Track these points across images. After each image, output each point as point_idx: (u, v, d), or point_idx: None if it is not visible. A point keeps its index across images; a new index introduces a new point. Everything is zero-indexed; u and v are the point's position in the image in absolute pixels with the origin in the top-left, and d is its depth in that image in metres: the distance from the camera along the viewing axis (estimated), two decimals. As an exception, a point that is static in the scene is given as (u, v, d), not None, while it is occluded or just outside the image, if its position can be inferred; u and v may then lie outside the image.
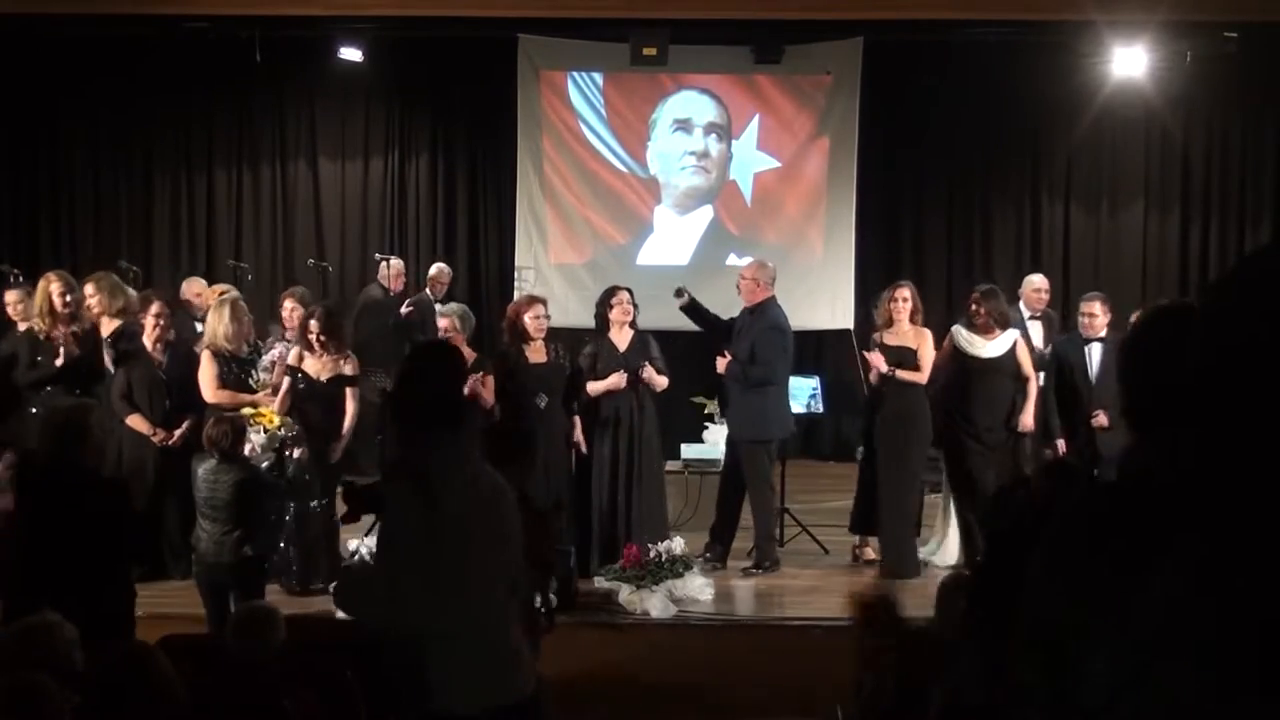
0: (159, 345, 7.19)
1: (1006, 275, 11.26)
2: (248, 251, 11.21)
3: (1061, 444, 7.27)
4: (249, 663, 3.77)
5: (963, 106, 11.00)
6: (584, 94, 11.12)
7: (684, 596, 6.63)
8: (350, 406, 6.91)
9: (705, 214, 11.26)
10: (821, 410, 8.72)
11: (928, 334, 7.38)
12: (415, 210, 11.54)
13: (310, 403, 6.83)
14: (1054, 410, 7.35)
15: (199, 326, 8.20)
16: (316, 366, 6.83)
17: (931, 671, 3.38)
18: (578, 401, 7.13)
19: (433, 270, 10.38)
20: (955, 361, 7.40)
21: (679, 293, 7.63)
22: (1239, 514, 1.06)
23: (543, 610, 4.73)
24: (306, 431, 6.80)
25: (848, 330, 10.71)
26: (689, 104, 11.16)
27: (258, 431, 6.53)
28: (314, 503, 6.83)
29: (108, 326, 7.29)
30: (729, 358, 7.28)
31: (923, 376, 7.25)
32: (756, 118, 11.12)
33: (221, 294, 7.76)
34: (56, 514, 4.58)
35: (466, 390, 6.57)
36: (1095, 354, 7.35)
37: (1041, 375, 7.53)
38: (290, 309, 7.95)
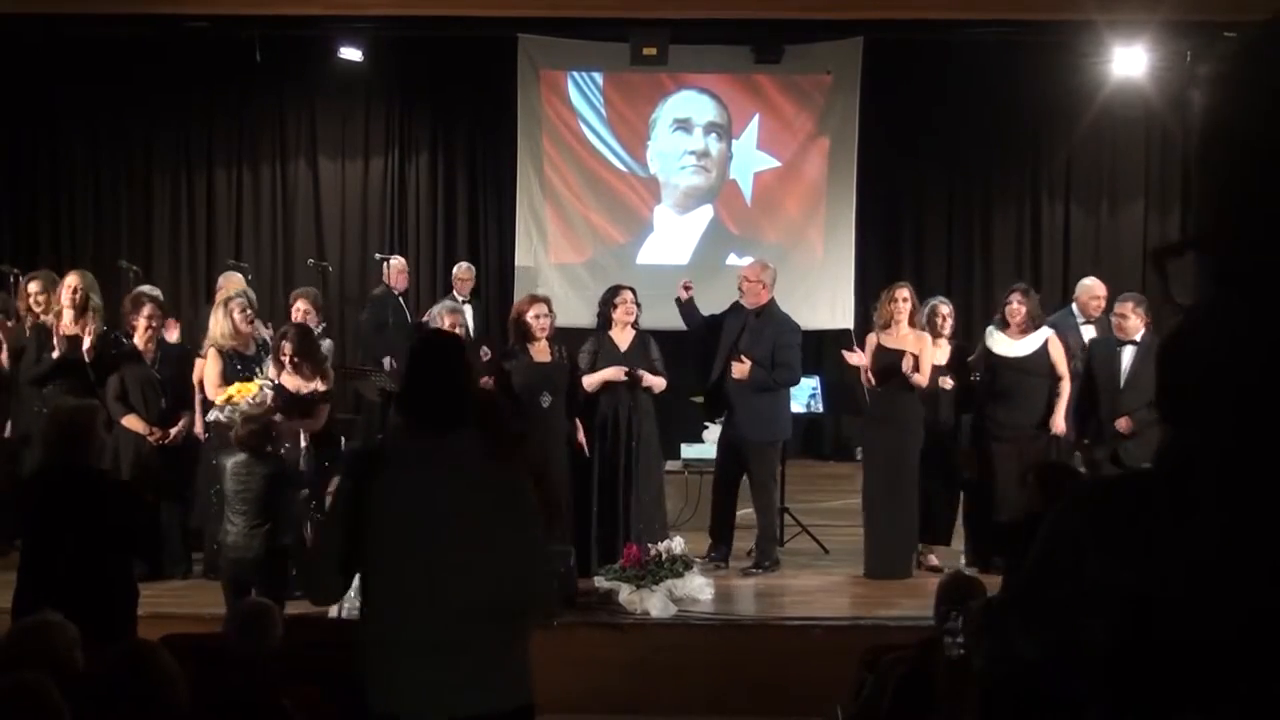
0: (151, 345, 7.19)
1: (1006, 275, 11.26)
2: (248, 251, 11.21)
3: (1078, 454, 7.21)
4: (249, 660, 3.77)
5: (963, 106, 11.00)
6: (584, 94, 11.12)
7: (684, 596, 6.62)
8: (319, 420, 6.86)
9: (705, 213, 11.26)
10: (821, 410, 8.72)
11: (927, 337, 7.34)
12: (415, 210, 11.54)
13: (288, 414, 6.78)
14: (1075, 412, 7.27)
15: (264, 331, 8.20)
16: (294, 383, 6.78)
17: (933, 671, 3.38)
18: (576, 401, 7.13)
19: (457, 270, 10.25)
20: (986, 362, 7.38)
21: (687, 287, 7.60)
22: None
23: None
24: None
25: (848, 330, 10.69)
26: (689, 103, 11.16)
27: (235, 409, 6.51)
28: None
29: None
30: (748, 362, 7.21)
31: (924, 379, 7.22)
32: (756, 117, 11.13)
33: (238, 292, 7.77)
34: (60, 514, 4.58)
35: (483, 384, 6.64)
36: (1126, 357, 7.16)
37: None
38: (304, 310, 7.95)
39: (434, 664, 2.92)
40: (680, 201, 11.24)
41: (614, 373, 7.08)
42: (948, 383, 7.33)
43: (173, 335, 8.41)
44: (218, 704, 3.46)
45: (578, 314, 9.89)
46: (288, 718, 3.54)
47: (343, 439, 7.97)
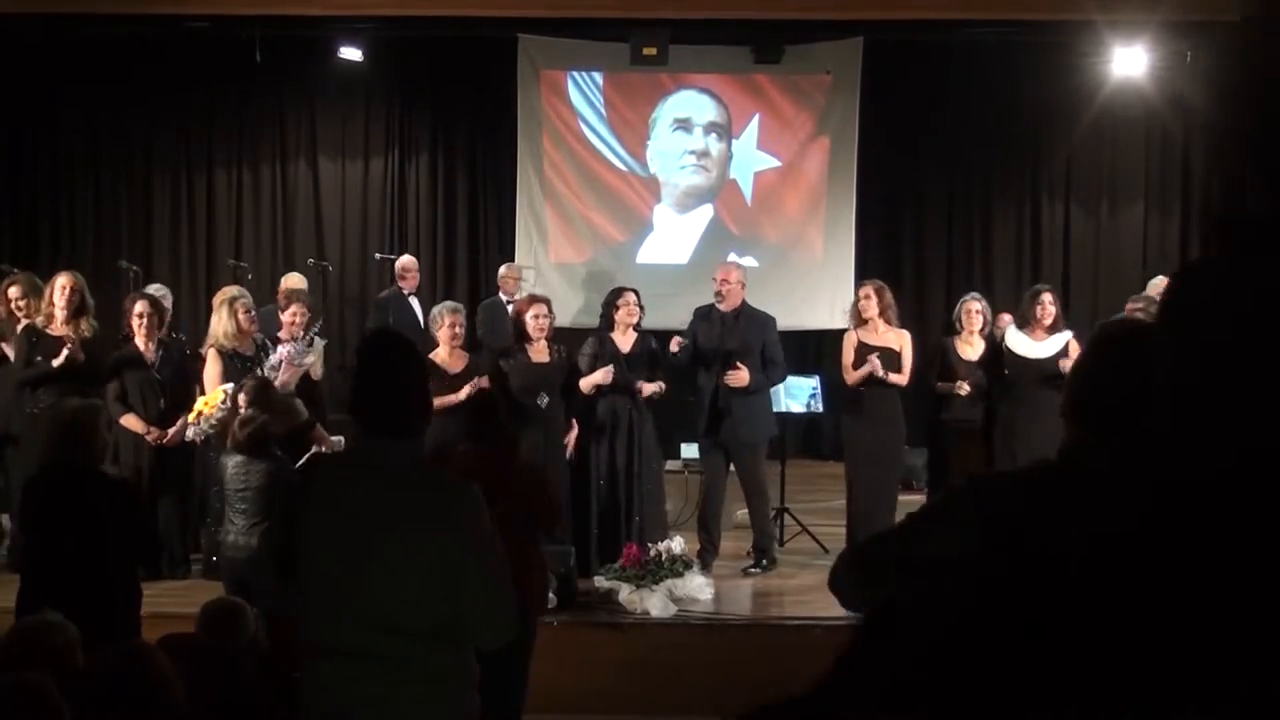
0: (151, 346, 7.18)
1: (1007, 275, 11.27)
2: (248, 251, 11.21)
3: None
4: (220, 656, 3.76)
5: (963, 106, 11.00)
6: (584, 93, 11.12)
7: (684, 596, 6.62)
8: (324, 439, 6.78)
9: (705, 213, 11.26)
10: (821, 410, 8.71)
11: (907, 335, 7.36)
12: (415, 210, 11.54)
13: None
14: None
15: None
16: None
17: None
18: (574, 402, 7.13)
19: (506, 269, 10.09)
20: (1000, 363, 7.36)
21: (683, 348, 7.36)
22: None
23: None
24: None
25: (848, 330, 10.70)
26: (689, 103, 11.16)
27: (207, 422, 6.50)
28: None
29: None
30: (742, 368, 7.19)
31: (904, 378, 7.23)
32: (756, 117, 11.13)
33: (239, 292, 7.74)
34: (63, 514, 4.59)
35: (466, 392, 6.61)
36: None
37: None
38: (294, 313, 7.84)
39: (349, 675, 2.76)
40: (680, 201, 11.24)
41: (603, 375, 7.06)
42: (964, 388, 7.32)
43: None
44: (216, 704, 3.46)
45: (578, 314, 9.89)
46: (288, 717, 3.54)
47: (342, 438, 7.98)
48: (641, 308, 7.32)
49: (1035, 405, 7.03)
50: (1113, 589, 1.00)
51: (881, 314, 7.28)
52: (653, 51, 10.06)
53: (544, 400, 6.91)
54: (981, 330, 7.53)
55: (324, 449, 6.41)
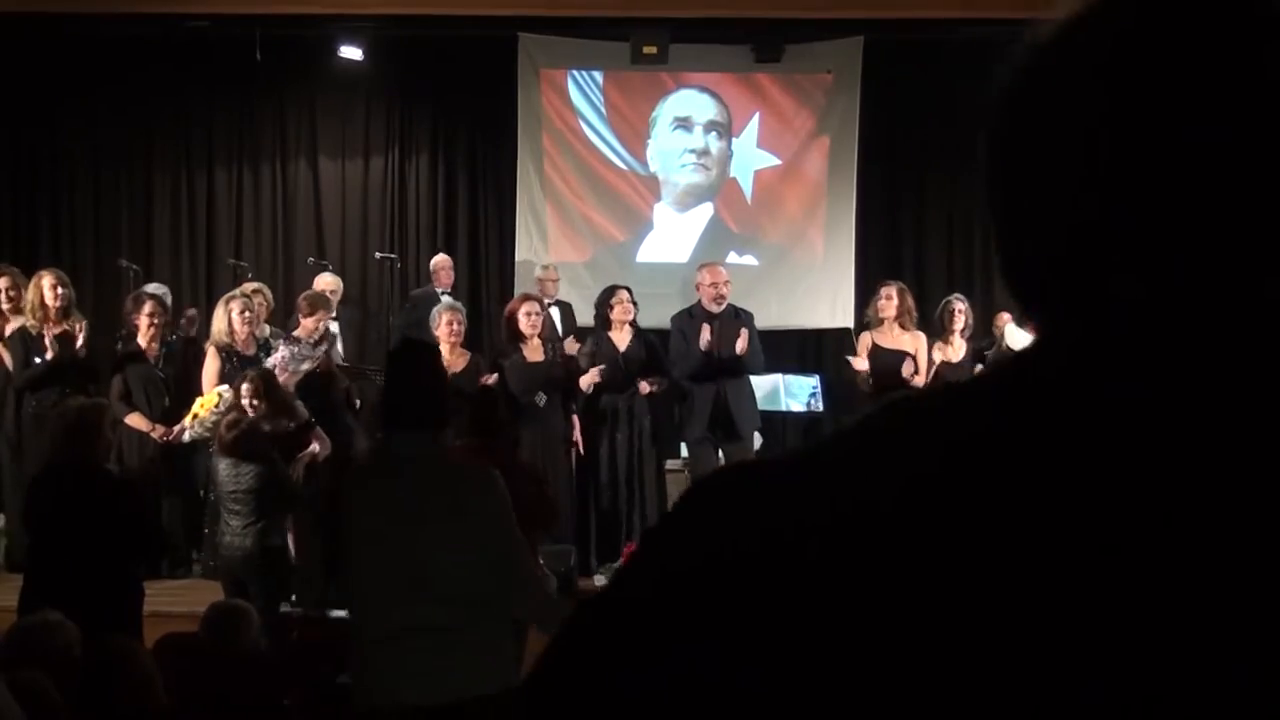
0: (154, 344, 7.19)
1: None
2: (248, 251, 11.21)
3: None
4: (222, 658, 3.77)
5: (963, 106, 10.98)
6: (584, 92, 11.12)
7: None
8: (323, 444, 6.74)
9: (705, 211, 11.26)
10: (821, 409, 8.71)
11: (923, 337, 7.33)
12: (415, 209, 11.54)
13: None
14: None
15: (333, 326, 8.17)
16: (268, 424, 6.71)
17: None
18: (575, 401, 7.13)
19: (544, 272, 9.89)
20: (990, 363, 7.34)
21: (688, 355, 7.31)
22: None
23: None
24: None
25: (848, 329, 10.70)
26: (689, 102, 11.16)
27: (202, 424, 6.49)
28: None
29: (15, 322, 7.27)
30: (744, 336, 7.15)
31: (922, 380, 7.21)
32: (757, 116, 11.12)
33: (254, 290, 7.75)
34: (67, 513, 4.59)
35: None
36: None
37: None
38: (318, 319, 7.80)
39: (406, 652, 3.02)
40: (680, 200, 11.24)
41: (594, 375, 7.04)
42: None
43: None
44: (217, 705, 3.45)
45: (578, 313, 9.89)
46: (288, 717, 3.54)
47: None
48: (635, 304, 7.31)
49: None
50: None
51: (899, 317, 7.25)
52: (653, 50, 10.06)
53: (541, 399, 6.92)
54: (963, 332, 7.48)
55: (318, 450, 6.41)
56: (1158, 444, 0.54)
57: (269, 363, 7.09)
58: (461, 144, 11.55)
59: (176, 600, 6.36)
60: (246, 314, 7.11)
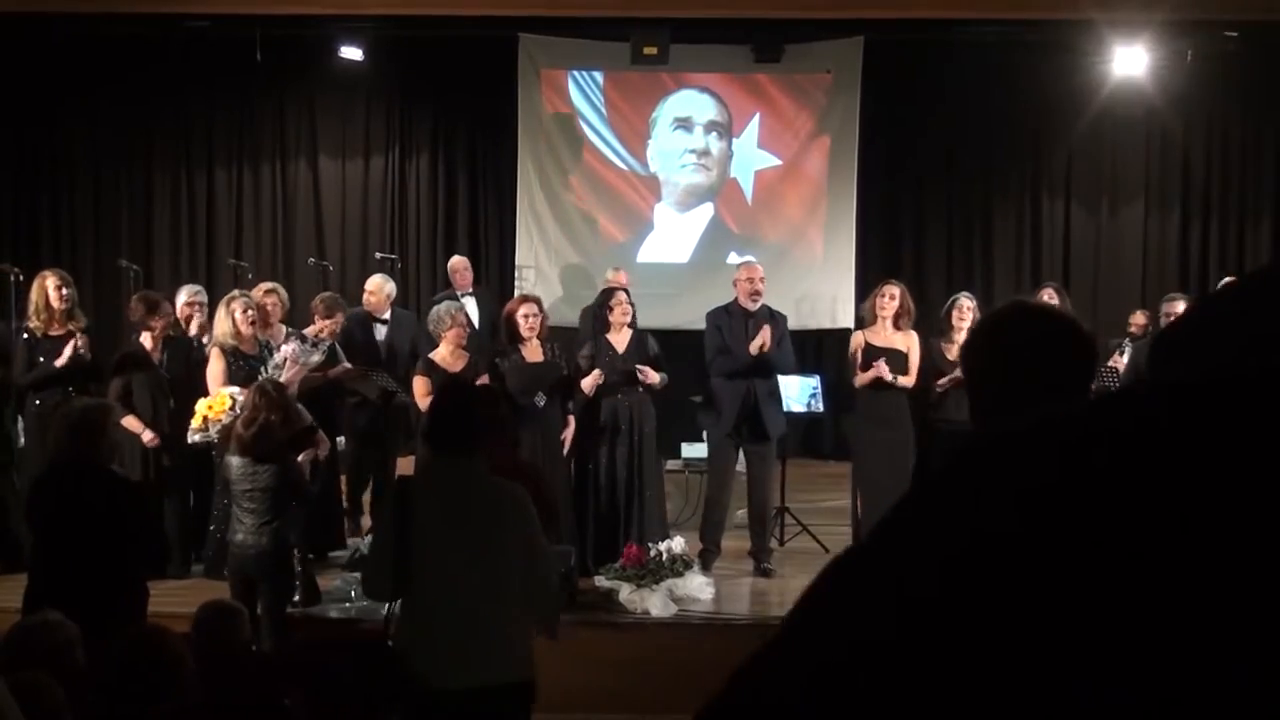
0: (158, 344, 7.18)
1: (1007, 275, 11.28)
2: (248, 251, 11.21)
3: None
4: (213, 659, 3.76)
5: (963, 106, 11.00)
6: (584, 92, 11.12)
7: (684, 596, 6.62)
8: (322, 445, 6.77)
9: (706, 212, 11.27)
10: (821, 410, 8.70)
11: (915, 336, 7.32)
12: (416, 209, 11.54)
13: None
14: None
15: (380, 330, 8.10)
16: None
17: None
18: (574, 402, 7.13)
19: (614, 275, 9.31)
20: None
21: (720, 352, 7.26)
22: None
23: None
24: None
25: (847, 329, 10.70)
26: (689, 102, 11.16)
27: (214, 427, 6.47)
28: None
29: None
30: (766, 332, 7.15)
31: (912, 380, 7.22)
32: (757, 116, 11.13)
33: (268, 289, 7.74)
34: (71, 513, 4.59)
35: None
36: None
37: None
38: (336, 321, 7.72)
39: (462, 642, 3.60)
40: (681, 200, 11.24)
41: (594, 378, 7.02)
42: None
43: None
44: (217, 705, 3.45)
45: (578, 313, 9.89)
46: (288, 717, 3.54)
47: (340, 440, 7.98)
48: (633, 305, 7.31)
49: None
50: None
51: (897, 316, 7.24)
52: (653, 51, 10.06)
53: (540, 400, 6.91)
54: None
55: (320, 453, 6.41)
56: None
57: (277, 358, 7.08)
58: (461, 144, 11.55)
59: (177, 601, 6.36)
60: (249, 314, 7.09)
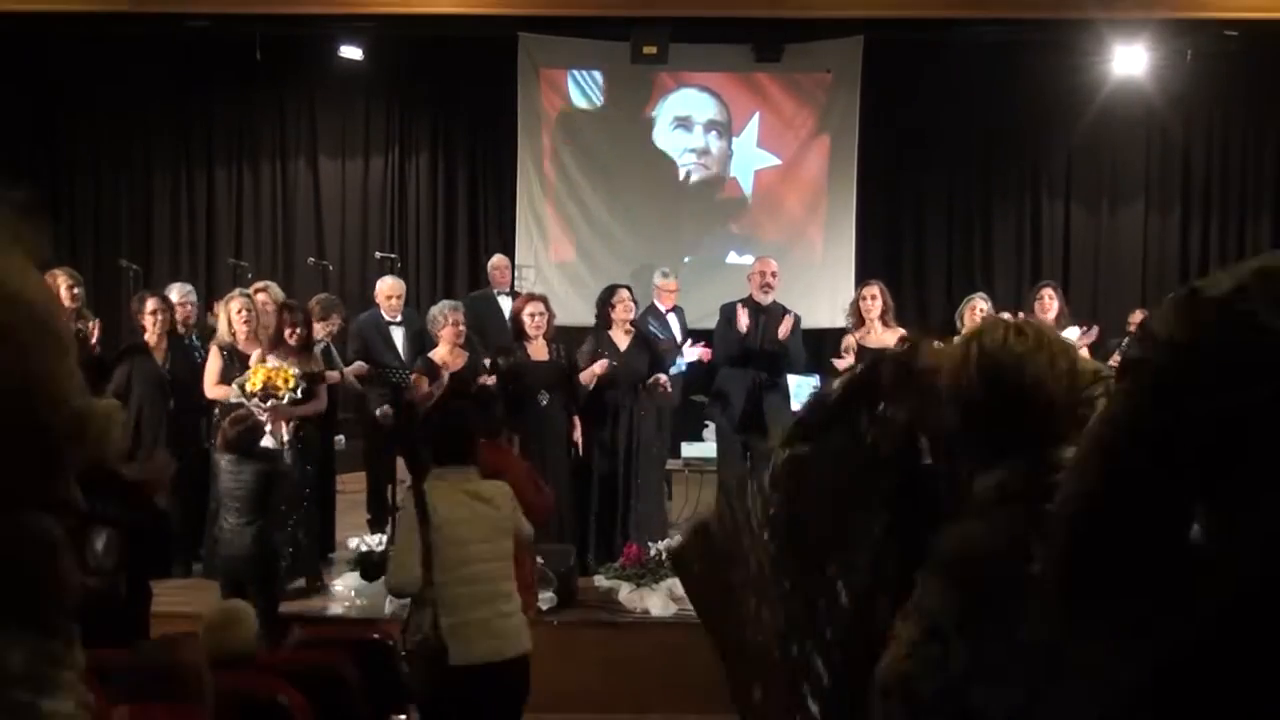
0: (162, 343, 7.18)
1: (1007, 275, 11.27)
2: (248, 251, 11.21)
3: None
4: (224, 660, 3.76)
5: (963, 105, 10.99)
6: (584, 92, 11.12)
7: (684, 595, 6.60)
8: (321, 401, 6.92)
9: (705, 213, 11.26)
10: (821, 409, 8.69)
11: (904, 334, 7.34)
12: (415, 209, 11.54)
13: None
14: None
15: (397, 333, 7.99)
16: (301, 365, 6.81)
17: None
18: (576, 401, 7.12)
19: (663, 280, 8.99)
20: None
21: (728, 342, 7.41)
22: None
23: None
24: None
25: (848, 329, 10.69)
26: (689, 101, 11.16)
27: (273, 398, 6.48)
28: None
29: None
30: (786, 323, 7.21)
31: None
32: (757, 115, 11.13)
33: (259, 288, 7.73)
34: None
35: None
36: None
37: None
38: (334, 322, 7.79)
39: (486, 620, 4.16)
40: (680, 200, 11.24)
41: (602, 366, 7.03)
42: None
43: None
44: (217, 704, 3.45)
45: (578, 312, 9.89)
46: (289, 716, 3.54)
47: (342, 438, 7.98)
48: (636, 304, 7.30)
49: None
50: None
51: (883, 314, 7.26)
52: (653, 50, 10.05)
53: (544, 399, 6.91)
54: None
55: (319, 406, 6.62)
56: None
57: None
58: (461, 144, 11.55)
59: (177, 600, 6.35)
60: (244, 313, 7.07)
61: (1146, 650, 1.09)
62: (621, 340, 7.24)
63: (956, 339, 1.88)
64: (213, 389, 6.90)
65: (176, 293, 7.86)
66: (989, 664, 1.56)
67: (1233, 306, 1.04)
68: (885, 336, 7.24)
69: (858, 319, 7.30)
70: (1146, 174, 11.33)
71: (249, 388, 6.44)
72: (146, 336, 7.14)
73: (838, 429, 1.92)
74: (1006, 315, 8.26)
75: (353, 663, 4.18)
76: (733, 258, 10.80)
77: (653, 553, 6.73)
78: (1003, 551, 1.58)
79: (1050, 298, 7.35)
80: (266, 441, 6.50)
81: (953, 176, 11.42)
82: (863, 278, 10.81)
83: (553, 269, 11.08)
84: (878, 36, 10.50)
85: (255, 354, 6.73)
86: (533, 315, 7.00)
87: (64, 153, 11.31)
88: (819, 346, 10.76)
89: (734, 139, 11.16)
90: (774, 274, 7.36)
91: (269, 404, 6.40)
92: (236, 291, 7.44)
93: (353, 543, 6.93)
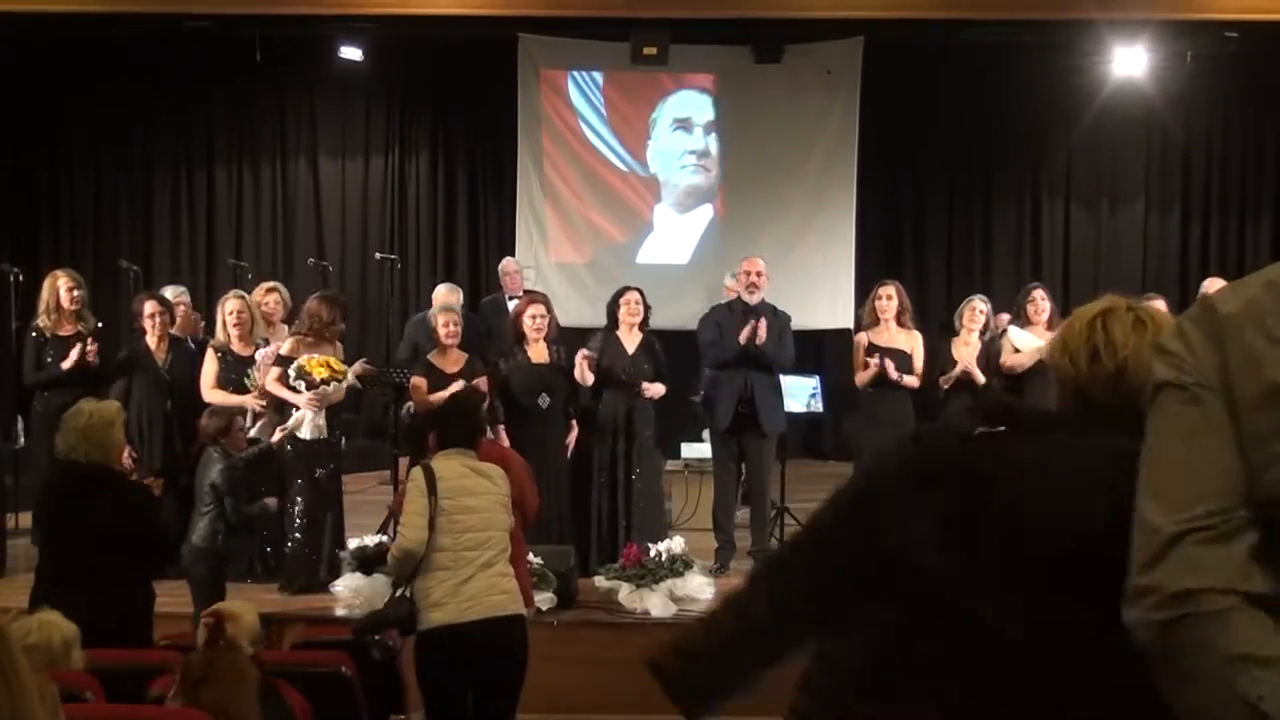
0: (163, 344, 7.17)
1: (1007, 275, 11.27)
2: (248, 251, 11.22)
3: None
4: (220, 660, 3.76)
5: (963, 106, 11.00)
6: (584, 93, 11.12)
7: (684, 596, 6.61)
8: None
9: (705, 213, 11.26)
10: (821, 410, 8.71)
11: (919, 336, 7.32)
12: (415, 209, 11.55)
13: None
14: None
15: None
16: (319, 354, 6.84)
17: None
18: (576, 403, 7.12)
19: (728, 280, 8.80)
20: (993, 363, 7.32)
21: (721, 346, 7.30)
22: None
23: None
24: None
25: (847, 329, 10.70)
26: (689, 103, 11.16)
27: (336, 382, 6.53)
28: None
29: None
30: (762, 326, 7.10)
31: (916, 380, 7.21)
32: (757, 116, 11.11)
33: (268, 289, 7.74)
34: (77, 514, 4.58)
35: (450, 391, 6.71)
36: None
37: None
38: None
39: (486, 578, 4.46)
40: (680, 201, 11.24)
41: (581, 359, 7.01)
42: (981, 376, 7.29)
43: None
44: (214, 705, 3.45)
45: (578, 313, 9.89)
46: (290, 715, 3.54)
47: (343, 438, 7.97)
48: (648, 307, 7.28)
49: (1037, 402, 7.03)
50: None
51: (898, 314, 7.25)
52: (653, 51, 10.05)
53: (545, 401, 6.91)
54: (981, 332, 7.50)
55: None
56: None
57: (259, 355, 7.10)
58: (461, 144, 11.55)
59: (177, 600, 6.36)
60: (233, 315, 7.05)
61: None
62: (629, 342, 7.23)
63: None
64: (210, 391, 6.90)
65: (170, 294, 7.87)
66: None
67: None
68: (898, 337, 7.22)
69: (872, 317, 7.28)
70: (1146, 174, 11.33)
71: (317, 375, 6.50)
72: (147, 338, 7.14)
73: None
74: (1006, 316, 8.28)
75: (353, 663, 4.18)
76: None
77: (653, 553, 6.72)
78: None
79: (1042, 298, 7.33)
80: (306, 432, 6.57)
81: (953, 177, 11.43)
82: (862, 278, 10.85)
83: (553, 269, 11.08)
84: (878, 37, 10.49)
85: (289, 343, 6.81)
86: (534, 318, 6.99)
87: (64, 152, 11.32)
88: (819, 346, 10.78)
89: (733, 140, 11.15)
90: (759, 273, 7.32)
91: (332, 389, 6.54)
92: (232, 293, 7.44)
93: (353, 543, 6.92)
